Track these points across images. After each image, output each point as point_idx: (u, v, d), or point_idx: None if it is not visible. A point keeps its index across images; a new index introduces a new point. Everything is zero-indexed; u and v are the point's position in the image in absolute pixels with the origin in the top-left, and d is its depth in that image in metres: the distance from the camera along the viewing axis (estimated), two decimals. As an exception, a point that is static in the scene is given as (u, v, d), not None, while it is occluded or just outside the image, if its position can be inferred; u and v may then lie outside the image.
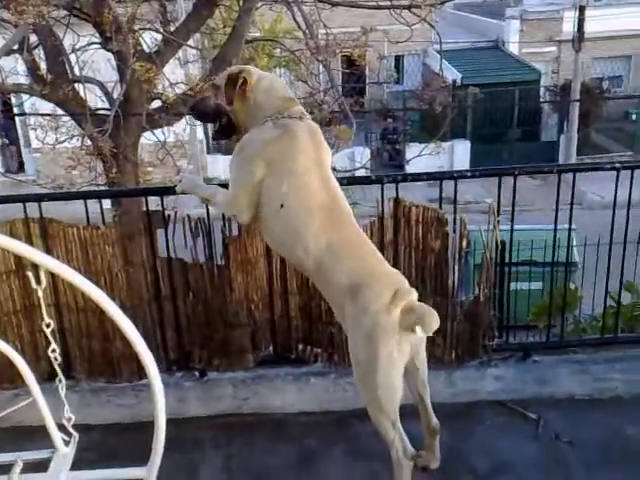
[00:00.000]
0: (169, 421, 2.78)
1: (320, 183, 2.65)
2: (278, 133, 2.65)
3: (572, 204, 3.42)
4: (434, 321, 2.44)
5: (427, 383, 2.76)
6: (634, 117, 19.73)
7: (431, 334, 2.50)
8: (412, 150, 14.12)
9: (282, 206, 2.62)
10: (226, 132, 2.86)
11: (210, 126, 17.77)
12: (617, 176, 3.24)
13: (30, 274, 2.40)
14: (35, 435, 2.79)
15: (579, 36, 17.06)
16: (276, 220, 2.66)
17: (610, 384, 3.37)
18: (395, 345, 2.48)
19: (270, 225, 2.70)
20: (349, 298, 2.55)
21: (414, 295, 2.54)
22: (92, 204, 3.30)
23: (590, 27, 17.18)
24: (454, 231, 3.29)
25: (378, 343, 2.48)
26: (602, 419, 3.17)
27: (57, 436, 2.75)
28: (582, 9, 17.08)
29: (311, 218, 2.61)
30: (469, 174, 3.33)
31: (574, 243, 6.79)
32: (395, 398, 2.56)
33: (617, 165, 3.26)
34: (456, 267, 3.34)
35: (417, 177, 3.36)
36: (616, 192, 3.23)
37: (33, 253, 2.27)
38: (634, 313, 4.72)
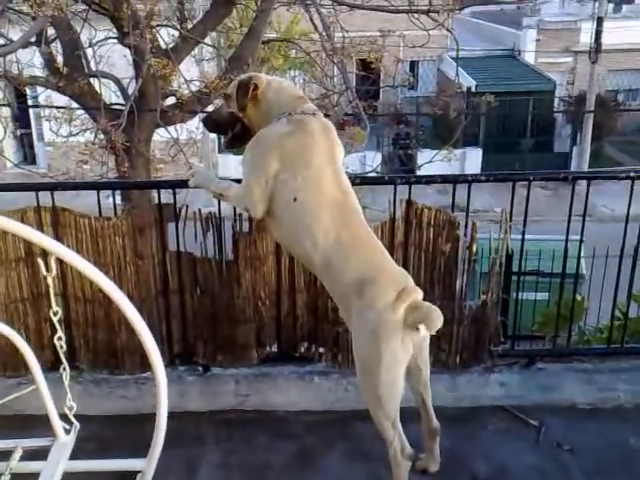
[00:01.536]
0: (170, 415, 2.80)
1: (333, 179, 2.67)
2: (292, 128, 2.67)
3: (585, 213, 3.39)
4: (438, 320, 2.44)
5: (429, 385, 2.76)
6: (648, 131, 19.64)
7: (435, 333, 2.51)
8: (424, 156, 14.10)
9: (295, 199, 2.63)
10: (240, 139, 2.90)
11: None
12: (632, 185, 3.22)
13: (40, 261, 2.44)
14: (36, 424, 2.80)
15: (596, 47, 17.02)
16: (288, 214, 2.67)
17: (614, 394, 3.35)
18: (399, 343, 2.49)
19: (281, 219, 2.71)
20: (355, 294, 2.55)
21: (419, 294, 2.55)
22: (102, 199, 3.31)
23: (607, 39, 17.14)
24: (465, 235, 3.29)
25: (382, 340, 2.48)
26: (604, 429, 3.16)
27: (58, 424, 2.77)
28: (600, 20, 17.05)
29: (322, 213, 2.62)
30: (483, 178, 3.32)
31: (582, 255, 6.78)
32: (396, 396, 2.56)
33: (632, 174, 3.24)
34: (465, 271, 3.34)
35: (431, 179, 3.35)
36: (630, 201, 3.22)
37: (44, 239, 2.31)
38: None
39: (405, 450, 2.63)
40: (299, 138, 2.66)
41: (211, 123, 3.03)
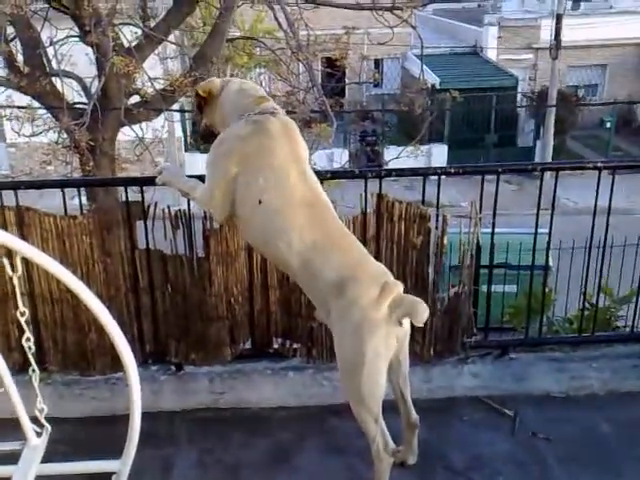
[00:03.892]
0: (144, 415, 2.75)
1: (298, 177, 2.65)
2: (250, 129, 2.66)
3: (553, 205, 3.43)
4: (424, 311, 2.44)
5: (408, 378, 2.76)
6: (608, 125, 20.02)
7: (422, 325, 2.51)
8: (390, 152, 14.17)
9: (260, 202, 2.61)
10: (205, 137, 2.93)
11: (188, 125, 17.71)
12: (599, 175, 3.27)
13: (5, 261, 2.37)
14: (5, 428, 2.73)
15: (556, 44, 17.30)
16: (256, 217, 2.65)
17: (586, 382, 3.40)
18: (382, 340, 2.48)
19: (249, 221, 2.69)
20: (335, 293, 2.53)
21: (400, 288, 2.54)
22: (67, 200, 3.25)
23: (567, 35, 17.43)
24: (436, 228, 3.30)
25: (365, 338, 2.47)
26: (578, 416, 3.19)
27: (28, 427, 2.70)
28: (559, 17, 17.33)
29: (293, 213, 2.60)
30: (453, 171, 3.34)
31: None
32: (379, 393, 2.55)
33: (599, 165, 3.29)
34: (437, 264, 3.35)
35: (401, 172, 3.36)
36: (597, 193, 3.26)
37: (8, 239, 2.24)
38: (606, 316, 4.80)
39: (388, 446, 2.62)
40: (257, 139, 2.64)
41: (204, 136, 2.98)
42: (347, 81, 14.22)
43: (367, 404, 2.55)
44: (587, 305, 4.31)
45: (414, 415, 2.79)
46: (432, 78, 18.28)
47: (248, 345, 3.50)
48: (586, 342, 3.61)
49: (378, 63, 20.27)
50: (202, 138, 2.98)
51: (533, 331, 3.77)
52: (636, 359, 3.49)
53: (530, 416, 3.21)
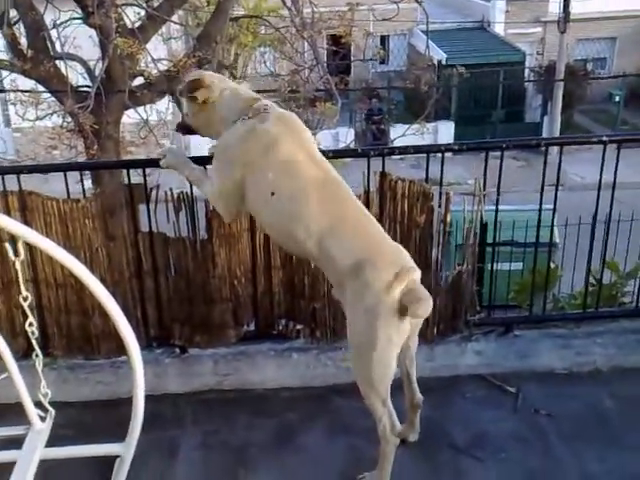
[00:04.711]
0: (148, 398, 2.77)
1: (307, 161, 2.64)
2: (247, 131, 2.66)
3: (558, 181, 3.40)
4: (424, 309, 2.42)
5: (415, 359, 2.77)
6: (617, 99, 19.79)
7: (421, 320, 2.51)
8: (396, 130, 14.08)
9: (273, 194, 2.61)
10: (182, 129, 2.99)
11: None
12: (604, 149, 3.23)
13: (8, 246, 2.38)
14: (9, 413, 2.76)
15: (564, 17, 17.05)
16: (271, 209, 2.65)
17: (590, 358, 3.39)
18: (395, 325, 2.46)
19: (267, 216, 2.71)
20: (351, 275, 2.52)
21: (417, 274, 2.52)
22: (72, 186, 3.25)
23: (576, 8, 17.17)
24: (439, 206, 3.28)
25: (379, 322, 2.46)
26: (581, 392, 3.19)
27: (33, 412, 2.72)
28: (568, -10, 17.05)
29: (307, 195, 2.59)
30: (456, 147, 3.31)
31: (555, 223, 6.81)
32: (389, 376, 2.55)
33: (604, 139, 3.25)
34: (440, 242, 3.34)
35: (404, 150, 3.35)
36: (602, 167, 3.22)
37: (11, 223, 2.25)
38: (612, 292, 4.77)
39: (395, 427, 2.63)
40: (256, 139, 2.65)
41: (183, 129, 3.01)
42: (352, 59, 14.13)
43: (376, 387, 2.56)
44: (592, 281, 4.28)
45: (418, 395, 2.81)
46: (438, 54, 18.09)
47: (252, 327, 3.51)
48: (590, 318, 3.60)
49: (384, 40, 20.09)
50: (179, 129, 3.02)
51: (538, 308, 3.76)
52: (641, 334, 3.48)
53: (533, 393, 3.21)
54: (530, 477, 2.78)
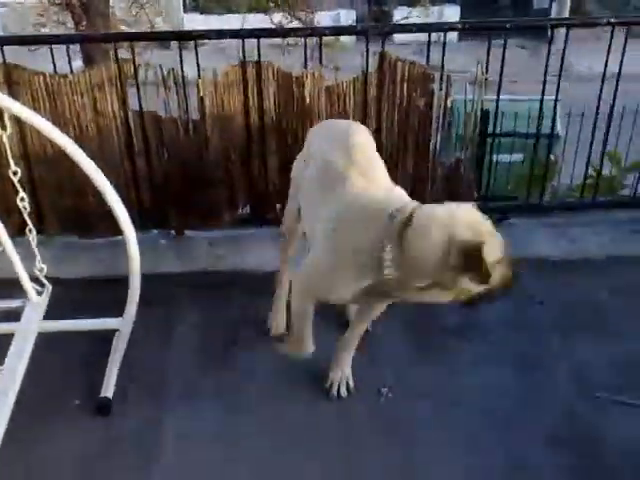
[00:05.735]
0: (145, 278, 2.78)
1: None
2: None
3: (561, 68, 3.28)
4: None
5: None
6: (630, -15, 18.94)
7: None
8: (400, 13, 13.56)
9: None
10: None
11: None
12: (612, 33, 3.10)
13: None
14: (5, 288, 2.77)
15: None
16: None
17: (585, 247, 3.39)
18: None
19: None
20: None
21: None
22: (63, 66, 3.14)
23: None
24: (440, 89, 3.18)
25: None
26: (575, 281, 3.20)
27: (29, 286, 2.74)
28: None
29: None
30: (459, 26, 3.17)
31: (558, 114, 6.66)
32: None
33: (612, 20, 3.12)
34: (440, 127, 3.26)
35: (405, 29, 3.20)
36: (609, 51, 3.10)
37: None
38: (612, 184, 4.74)
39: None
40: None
41: None
42: None
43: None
44: (592, 172, 4.23)
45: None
46: None
47: (247, 210, 3.49)
48: (586, 207, 3.57)
49: None
50: None
51: (535, 199, 3.73)
52: (636, 224, 3.47)
53: (527, 280, 3.21)
54: (519, 360, 2.82)
